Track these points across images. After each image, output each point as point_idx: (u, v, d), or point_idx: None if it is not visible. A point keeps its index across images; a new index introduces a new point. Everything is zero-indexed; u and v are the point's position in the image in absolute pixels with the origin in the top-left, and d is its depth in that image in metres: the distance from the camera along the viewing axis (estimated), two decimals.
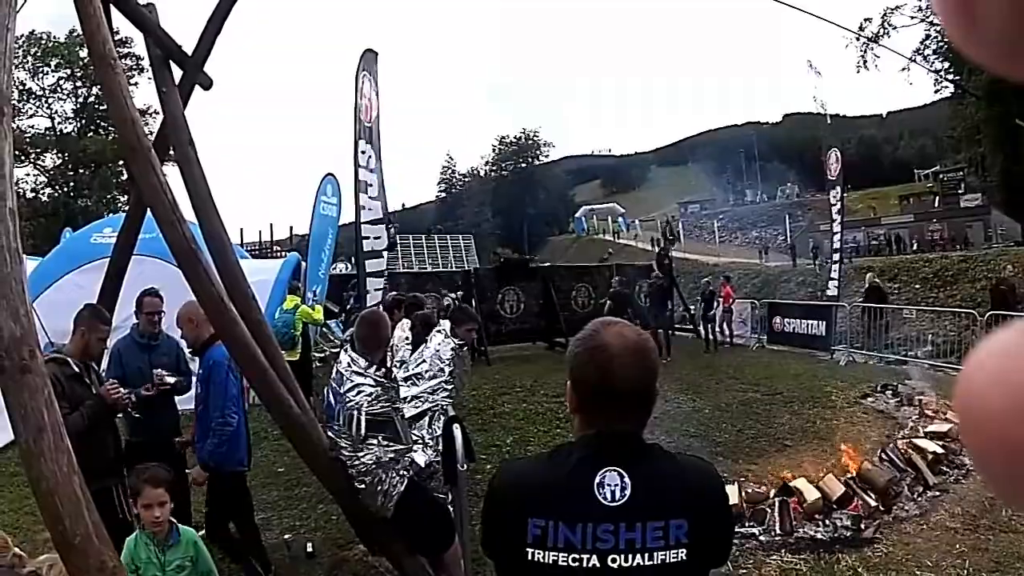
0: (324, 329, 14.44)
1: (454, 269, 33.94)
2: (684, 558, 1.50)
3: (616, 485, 1.52)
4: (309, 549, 5.59)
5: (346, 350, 4.10)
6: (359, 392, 3.78)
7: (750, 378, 11.92)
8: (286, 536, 5.86)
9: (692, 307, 18.12)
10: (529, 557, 1.54)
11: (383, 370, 3.97)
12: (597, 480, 1.52)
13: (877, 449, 7.42)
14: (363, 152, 14.68)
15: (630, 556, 1.50)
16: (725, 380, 11.92)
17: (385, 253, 13.27)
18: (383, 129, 12.42)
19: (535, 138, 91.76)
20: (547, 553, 1.53)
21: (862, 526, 5.82)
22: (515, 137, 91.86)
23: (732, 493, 6.14)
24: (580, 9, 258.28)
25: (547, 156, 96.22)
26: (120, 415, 4.53)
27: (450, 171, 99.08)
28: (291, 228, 43.64)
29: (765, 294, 25.42)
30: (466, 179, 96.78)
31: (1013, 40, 0.24)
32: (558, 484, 1.59)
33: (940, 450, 7.19)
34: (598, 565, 1.50)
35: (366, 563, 5.24)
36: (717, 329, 15.92)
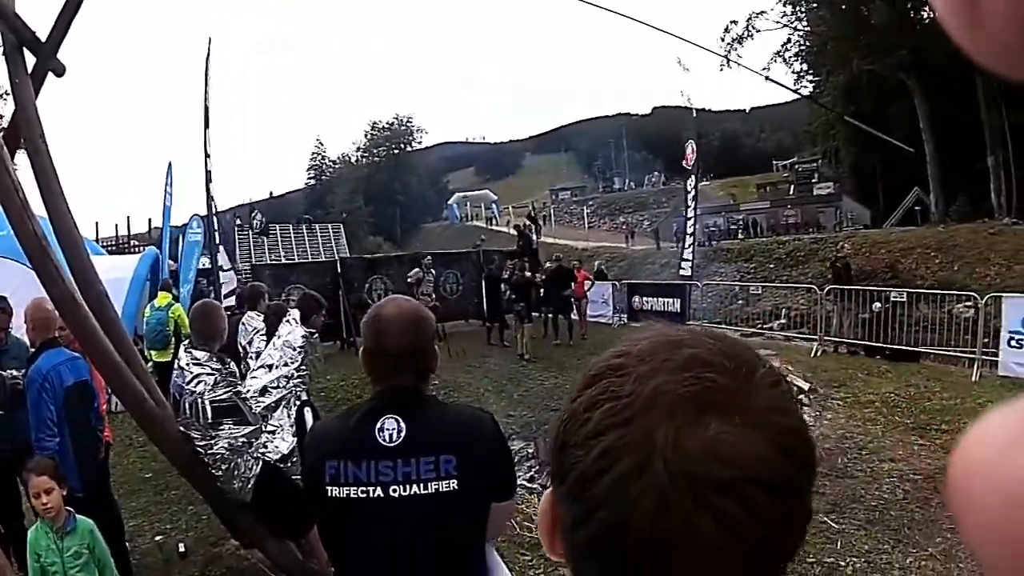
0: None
1: (323, 259, 33.31)
2: (456, 488, 1.85)
3: (394, 429, 1.87)
4: (181, 549, 5.56)
5: (185, 346, 4.16)
6: (199, 382, 3.86)
7: None
8: (158, 538, 5.83)
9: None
10: (328, 494, 1.87)
11: (219, 357, 4.06)
12: (378, 426, 1.88)
13: None
14: (209, 141, 14.21)
15: (407, 486, 1.85)
16: (587, 358, 12.18)
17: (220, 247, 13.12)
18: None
19: (409, 124, 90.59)
20: (341, 488, 1.86)
21: None
22: (388, 123, 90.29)
23: None
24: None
25: (420, 142, 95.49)
26: None
27: (320, 157, 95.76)
28: (149, 221, 41.12)
29: (631, 276, 26.43)
30: (337, 165, 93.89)
31: (1019, 40, 0.24)
32: (347, 432, 1.93)
33: None
34: (382, 495, 1.84)
35: (239, 556, 5.29)
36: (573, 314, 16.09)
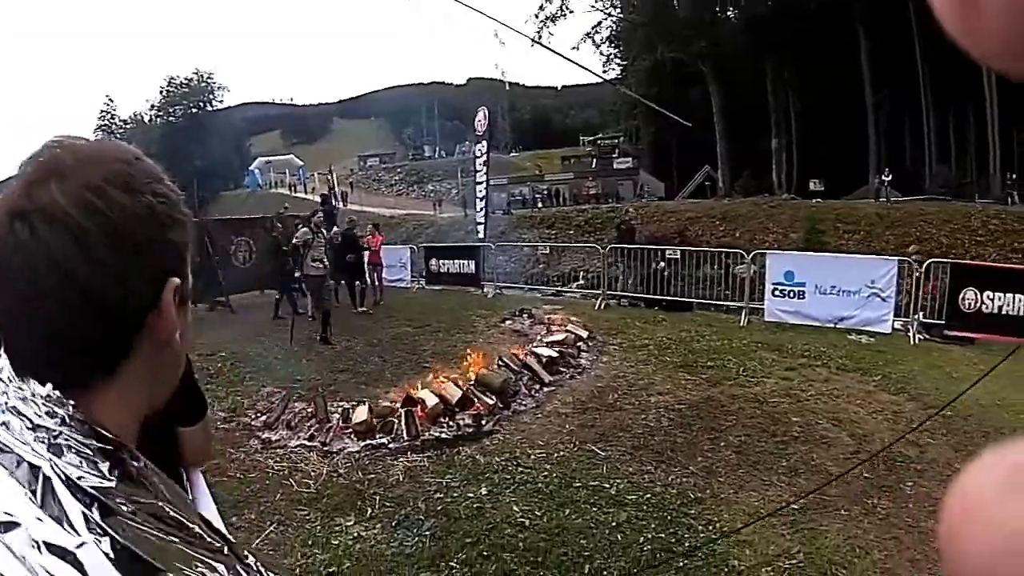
0: None
1: None
2: None
3: None
4: None
5: None
6: None
7: (405, 316, 12.54)
8: None
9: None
10: None
11: None
12: None
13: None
14: None
15: None
16: (382, 319, 12.44)
17: None
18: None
19: (210, 80, 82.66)
20: None
21: (483, 422, 6.46)
22: (186, 78, 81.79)
23: (362, 412, 6.49)
24: None
25: (222, 102, 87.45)
26: None
27: (109, 116, 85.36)
28: None
29: (438, 242, 26.44)
30: (128, 126, 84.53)
31: (1018, 40, 0.22)
32: None
33: (556, 355, 8.28)
34: None
35: None
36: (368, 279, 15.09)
